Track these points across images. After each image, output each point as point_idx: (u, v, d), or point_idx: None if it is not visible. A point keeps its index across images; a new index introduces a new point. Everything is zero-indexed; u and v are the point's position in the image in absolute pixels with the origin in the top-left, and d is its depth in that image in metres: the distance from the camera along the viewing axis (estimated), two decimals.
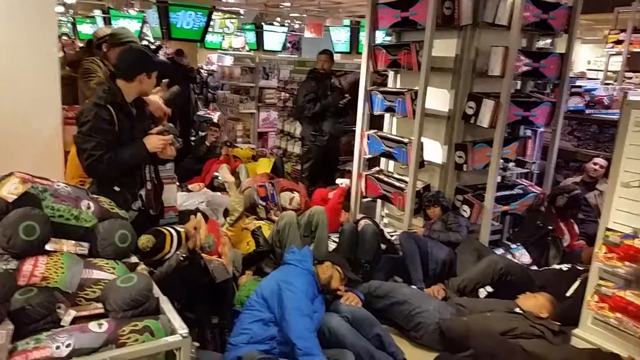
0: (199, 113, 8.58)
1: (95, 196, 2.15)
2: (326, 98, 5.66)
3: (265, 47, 13.50)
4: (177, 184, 4.23)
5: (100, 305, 1.70)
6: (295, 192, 4.96)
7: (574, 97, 5.73)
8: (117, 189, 2.63)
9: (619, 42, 8.01)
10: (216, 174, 5.61)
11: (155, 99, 3.18)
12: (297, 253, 3.00)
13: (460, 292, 3.41)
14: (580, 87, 6.01)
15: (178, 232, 2.62)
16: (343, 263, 3.11)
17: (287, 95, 7.56)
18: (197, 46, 12.03)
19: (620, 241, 2.63)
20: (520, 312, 2.97)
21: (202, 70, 10.20)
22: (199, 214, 2.73)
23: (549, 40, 4.80)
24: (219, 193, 5.17)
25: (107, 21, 11.85)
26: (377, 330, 2.89)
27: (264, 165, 6.19)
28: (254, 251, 3.73)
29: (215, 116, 8.41)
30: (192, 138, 7.62)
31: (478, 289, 3.48)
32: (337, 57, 10.04)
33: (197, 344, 2.62)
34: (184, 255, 2.49)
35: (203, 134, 7.09)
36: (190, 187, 5.34)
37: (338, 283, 2.97)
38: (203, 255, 2.62)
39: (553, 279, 3.46)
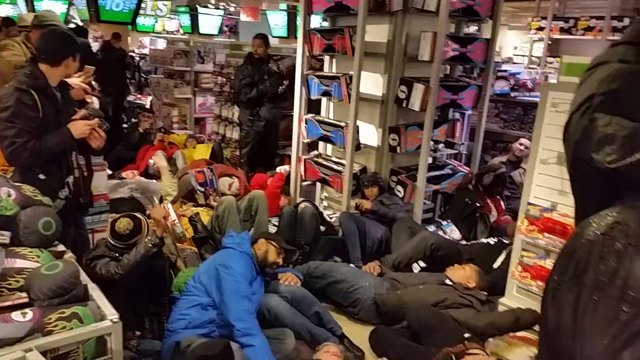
0: (129, 98, 8.24)
1: (17, 184, 2.05)
2: (263, 82, 5.62)
3: (201, 31, 13.12)
4: (110, 172, 4.09)
5: (24, 294, 1.64)
6: (234, 178, 4.92)
7: (500, 81, 6.01)
8: (42, 177, 2.52)
9: (541, 28, 8.45)
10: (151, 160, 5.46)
11: (74, 80, 3.05)
12: (235, 237, 3.00)
13: (395, 268, 3.54)
14: (505, 71, 6.31)
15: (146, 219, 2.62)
16: (276, 237, 3.15)
17: (224, 79, 7.42)
18: (128, 29, 11.52)
19: (540, 214, 2.81)
20: (451, 283, 3.13)
21: (133, 54, 9.80)
22: (164, 202, 2.71)
23: (476, 27, 4.99)
24: (154, 180, 5.05)
25: (30, 2, 11.06)
26: (316, 308, 2.96)
27: (202, 151, 6.09)
28: (192, 238, 3.68)
29: (147, 101, 8.12)
30: (125, 125, 7.34)
31: (412, 264, 3.64)
32: (275, 42, 9.96)
33: (138, 333, 2.61)
34: (153, 242, 2.47)
35: (135, 120, 6.85)
36: (123, 174, 5.18)
37: (275, 256, 2.99)
38: (177, 244, 2.60)
39: (481, 252, 3.67)
